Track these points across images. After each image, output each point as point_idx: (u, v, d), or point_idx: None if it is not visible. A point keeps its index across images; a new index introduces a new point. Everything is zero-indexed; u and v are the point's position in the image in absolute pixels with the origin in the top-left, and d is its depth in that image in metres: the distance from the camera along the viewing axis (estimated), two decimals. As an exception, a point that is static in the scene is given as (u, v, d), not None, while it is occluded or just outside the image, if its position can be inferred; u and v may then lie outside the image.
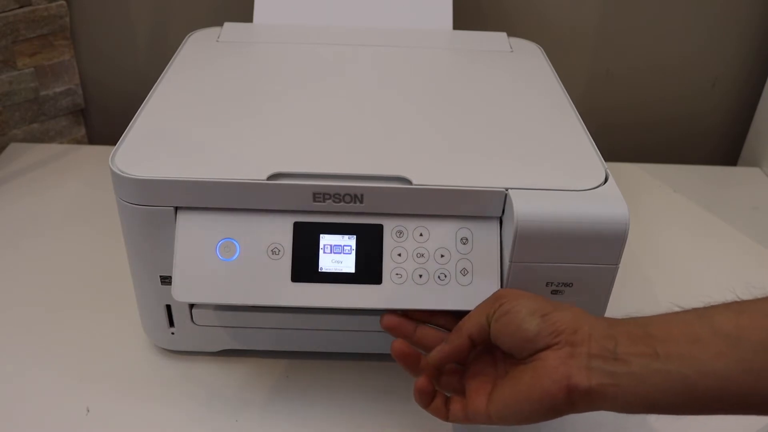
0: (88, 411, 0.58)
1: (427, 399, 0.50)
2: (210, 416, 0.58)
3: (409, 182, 0.53)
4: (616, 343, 0.41)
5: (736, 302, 0.41)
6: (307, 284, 0.53)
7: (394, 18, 0.83)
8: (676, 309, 0.43)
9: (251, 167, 0.53)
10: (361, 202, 0.53)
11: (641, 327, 0.42)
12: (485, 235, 0.54)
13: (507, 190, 0.52)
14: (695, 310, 0.42)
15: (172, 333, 0.61)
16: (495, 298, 0.48)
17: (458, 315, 0.51)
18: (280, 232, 0.54)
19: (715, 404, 0.39)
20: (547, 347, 0.43)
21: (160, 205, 0.53)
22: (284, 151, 0.56)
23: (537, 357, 0.44)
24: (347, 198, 0.53)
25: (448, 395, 0.51)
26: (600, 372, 0.41)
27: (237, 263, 0.53)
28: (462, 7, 0.89)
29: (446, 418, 0.50)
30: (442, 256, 0.54)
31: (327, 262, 0.54)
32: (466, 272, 0.54)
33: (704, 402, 0.39)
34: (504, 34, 0.82)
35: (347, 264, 0.54)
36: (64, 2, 0.92)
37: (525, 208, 0.51)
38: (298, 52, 0.74)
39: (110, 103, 1.02)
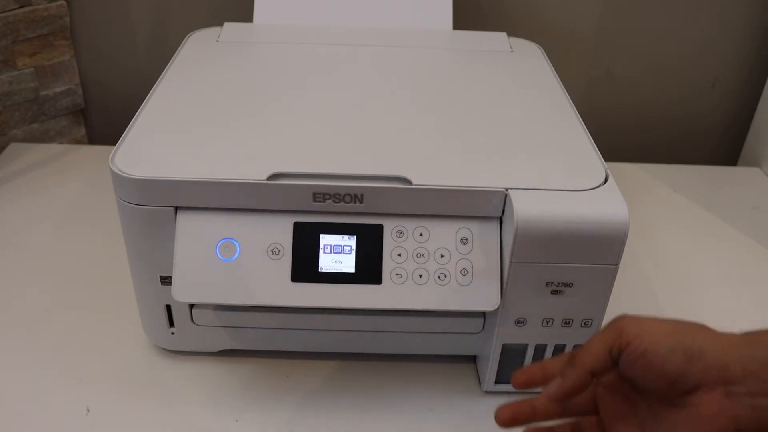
0: (88, 411, 0.58)
1: None
2: (210, 416, 0.58)
3: (409, 182, 0.53)
4: None
5: None
6: (307, 284, 0.53)
7: (394, 18, 0.83)
8: None
9: (251, 167, 0.53)
10: (361, 202, 0.53)
11: None
12: (485, 235, 0.54)
13: (507, 190, 0.52)
14: None
15: (172, 333, 0.61)
16: (616, 331, 0.42)
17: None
18: (280, 232, 0.54)
19: None
20: (696, 387, 0.40)
21: (160, 205, 0.53)
22: (284, 151, 0.56)
23: (689, 402, 0.40)
24: (347, 198, 0.53)
25: None
26: None
27: (237, 263, 0.53)
28: (462, 7, 0.89)
29: None
30: (442, 256, 0.54)
31: (327, 262, 0.54)
32: (466, 272, 0.54)
33: None
34: (504, 34, 0.82)
35: (347, 264, 0.54)
36: (64, 2, 0.92)
37: (525, 208, 0.51)
38: (298, 52, 0.74)
39: (110, 103, 1.02)
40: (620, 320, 0.43)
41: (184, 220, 0.54)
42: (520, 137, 0.59)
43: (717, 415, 0.39)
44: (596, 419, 0.47)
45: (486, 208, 0.53)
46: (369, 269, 0.54)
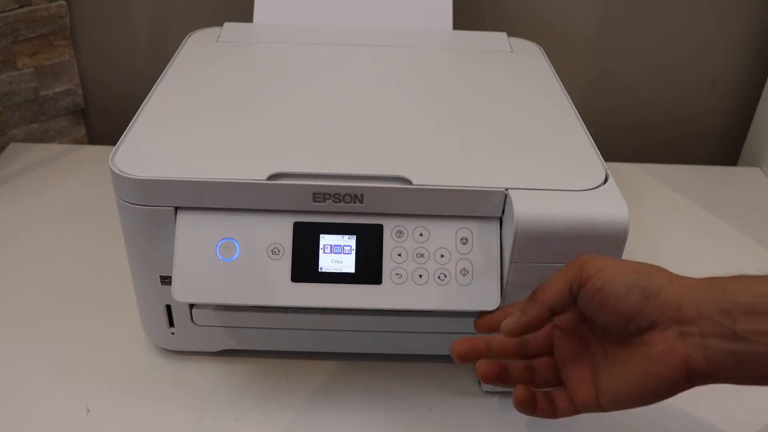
0: (88, 411, 0.58)
1: (531, 407, 0.46)
2: (210, 416, 0.58)
3: (409, 182, 0.53)
4: (734, 321, 0.38)
5: None
6: (307, 284, 0.53)
7: (394, 18, 0.83)
8: None
9: (251, 167, 0.53)
10: (361, 202, 0.53)
11: (762, 299, 0.39)
12: (485, 235, 0.54)
13: (507, 190, 0.52)
14: None
15: (172, 333, 0.61)
16: (578, 267, 0.43)
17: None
18: (280, 232, 0.54)
19: None
20: (651, 326, 0.41)
21: (160, 205, 0.53)
22: (284, 151, 0.56)
23: (642, 341, 0.41)
24: (347, 198, 0.53)
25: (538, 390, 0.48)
26: (719, 351, 0.39)
27: (237, 263, 0.53)
28: (462, 7, 0.89)
29: (555, 416, 0.46)
30: (442, 256, 0.54)
31: (327, 262, 0.54)
32: (466, 272, 0.54)
33: None
34: (504, 34, 0.82)
35: (347, 264, 0.54)
36: (64, 2, 0.92)
37: (525, 208, 0.51)
38: (298, 52, 0.74)
39: (110, 103, 1.02)
40: (582, 257, 0.44)
41: (184, 220, 0.54)
42: (520, 137, 0.59)
43: (668, 354, 0.40)
44: (550, 361, 0.48)
45: (486, 208, 0.53)
46: (369, 269, 0.54)
